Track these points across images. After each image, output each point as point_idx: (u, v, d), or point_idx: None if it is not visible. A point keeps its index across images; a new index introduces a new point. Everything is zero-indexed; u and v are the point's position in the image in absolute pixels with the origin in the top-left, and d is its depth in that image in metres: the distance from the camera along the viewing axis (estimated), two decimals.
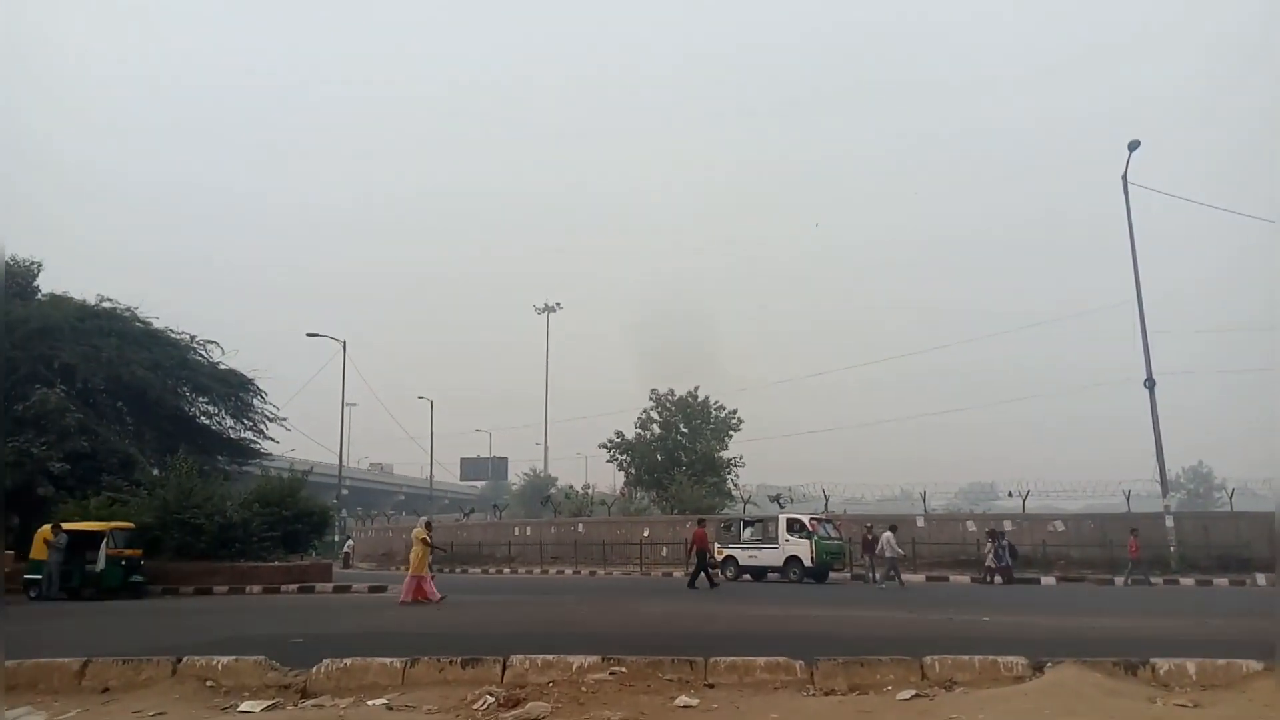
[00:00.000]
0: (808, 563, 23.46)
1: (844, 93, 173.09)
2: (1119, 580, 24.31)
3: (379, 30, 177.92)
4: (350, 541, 45.67)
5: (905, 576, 25.75)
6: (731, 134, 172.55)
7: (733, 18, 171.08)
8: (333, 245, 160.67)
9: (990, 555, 24.68)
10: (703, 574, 20.17)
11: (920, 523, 30.08)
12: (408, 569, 16.83)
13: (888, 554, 22.47)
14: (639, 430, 44.09)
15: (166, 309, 34.19)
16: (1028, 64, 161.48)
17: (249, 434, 29.45)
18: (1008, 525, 28.26)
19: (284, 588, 21.24)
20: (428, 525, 17.40)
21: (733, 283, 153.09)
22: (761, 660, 6.49)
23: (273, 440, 30.48)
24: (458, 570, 36.15)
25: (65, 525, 19.35)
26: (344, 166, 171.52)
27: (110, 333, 25.89)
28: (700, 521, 22.76)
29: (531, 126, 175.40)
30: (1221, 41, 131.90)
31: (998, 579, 24.20)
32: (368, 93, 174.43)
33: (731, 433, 43.60)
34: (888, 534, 22.78)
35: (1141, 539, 24.14)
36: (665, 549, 33.07)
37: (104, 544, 19.19)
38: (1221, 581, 23.51)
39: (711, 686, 6.25)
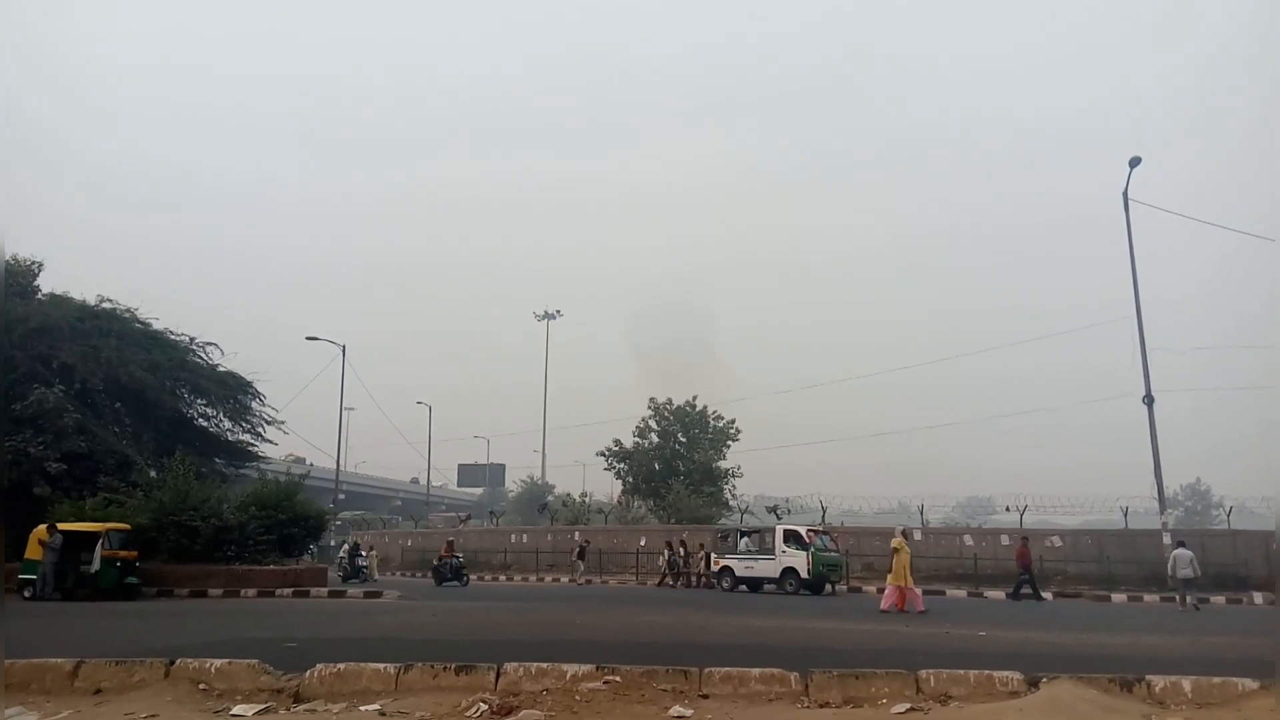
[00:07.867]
0: (804, 574, 23.37)
1: (836, 90, 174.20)
2: None
3: (376, 25, 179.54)
4: (346, 546, 45.35)
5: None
6: (729, 133, 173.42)
7: (733, 9, 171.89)
8: (333, 239, 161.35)
9: (665, 563, 28.55)
10: (1025, 587, 22.72)
11: (918, 536, 29.90)
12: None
13: (1184, 572, 20.04)
14: (637, 439, 44.06)
15: (166, 300, 34.07)
16: (1020, 61, 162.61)
17: (247, 436, 29.41)
18: (918, 536, 29.21)
19: (279, 591, 21.15)
20: (904, 534, 17.99)
21: (732, 292, 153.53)
22: (756, 671, 6.48)
23: (271, 443, 30.51)
24: None
25: (61, 525, 19.29)
26: (343, 162, 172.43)
27: (110, 333, 25.83)
28: (1024, 540, 24.85)
29: (530, 124, 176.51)
30: (1219, 42, 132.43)
31: (678, 583, 27.92)
32: (368, 87, 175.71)
33: (729, 442, 43.55)
34: (1180, 551, 20.45)
35: (1137, 555, 24.03)
36: (662, 558, 32.89)
37: (99, 545, 19.13)
38: (1218, 600, 23.43)
39: (706, 697, 6.23)
